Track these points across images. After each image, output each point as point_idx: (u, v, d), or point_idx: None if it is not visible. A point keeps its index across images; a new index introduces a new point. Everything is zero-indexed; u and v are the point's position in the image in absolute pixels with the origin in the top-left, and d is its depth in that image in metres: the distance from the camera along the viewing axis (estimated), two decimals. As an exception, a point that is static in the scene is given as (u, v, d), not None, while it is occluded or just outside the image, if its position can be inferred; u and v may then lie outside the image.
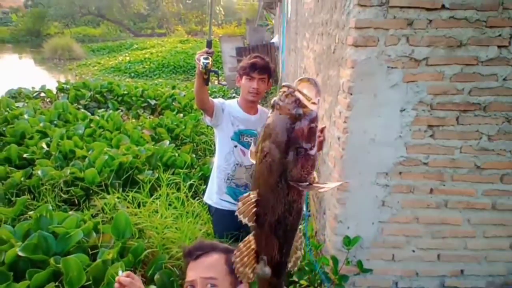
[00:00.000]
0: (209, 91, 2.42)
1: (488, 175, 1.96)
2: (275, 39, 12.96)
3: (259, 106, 2.53)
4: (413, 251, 2.06)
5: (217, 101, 2.39)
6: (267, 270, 1.10)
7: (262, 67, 2.33)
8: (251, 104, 2.42)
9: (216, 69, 2.11)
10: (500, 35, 1.83)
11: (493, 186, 1.98)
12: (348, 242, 1.98)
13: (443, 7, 1.79)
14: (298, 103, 0.95)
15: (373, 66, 1.88)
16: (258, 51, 10.81)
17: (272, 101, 0.98)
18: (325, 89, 2.59)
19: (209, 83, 2.18)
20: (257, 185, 1.05)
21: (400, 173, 1.98)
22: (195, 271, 1.17)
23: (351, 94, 1.91)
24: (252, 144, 1.13)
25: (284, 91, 0.97)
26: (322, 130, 2.44)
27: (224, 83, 11.52)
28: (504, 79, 1.86)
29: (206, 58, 2.01)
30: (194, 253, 1.21)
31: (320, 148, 2.46)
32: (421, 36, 1.84)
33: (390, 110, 1.92)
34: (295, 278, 2.08)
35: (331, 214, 2.17)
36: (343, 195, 2.03)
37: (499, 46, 1.84)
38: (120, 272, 1.22)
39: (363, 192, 2.02)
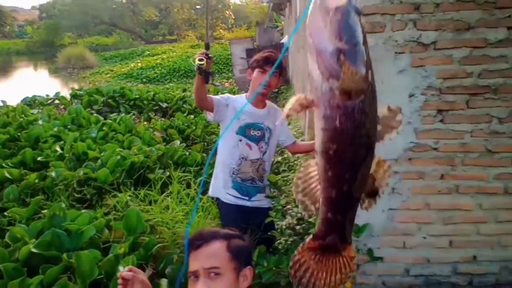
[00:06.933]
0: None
1: (499, 159, 1.93)
2: (284, 39, 12.96)
3: (267, 101, 2.52)
4: (425, 238, 2.03)
5: (220, 97, 2.39)
6: None
7: (275, 61, 2.32)
8: (260, 97, 2.41)
9: (210, 71, 2.14)
10: (509, 16, 1.80)
11: (505, 170, 1.94)
12: (358, 230, 1.96)
13: (449, -11, 1.77)
14: None
15: (380, 52, 1.86)
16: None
17: None
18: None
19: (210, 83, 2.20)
20: None
21: (410, 159, 1.96)
22: (197, 261, 1.14)
23: (357, 80, 1.89)
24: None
25: None
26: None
27: (218, 84, 12.00)
28: (514, 61, 1.83)
29: (201, 60, 2.04)
30: (195, 242, 1.18)
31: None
32: (428, 20, 1.82)
33: (399, 96, 1.90)
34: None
35: (341, 204, 2.15)
36: (352, 183, 2.01)
37: (508, 28, 1.81)
38: (121, 268, 1.20)
39: (372, 179, 1.99)
